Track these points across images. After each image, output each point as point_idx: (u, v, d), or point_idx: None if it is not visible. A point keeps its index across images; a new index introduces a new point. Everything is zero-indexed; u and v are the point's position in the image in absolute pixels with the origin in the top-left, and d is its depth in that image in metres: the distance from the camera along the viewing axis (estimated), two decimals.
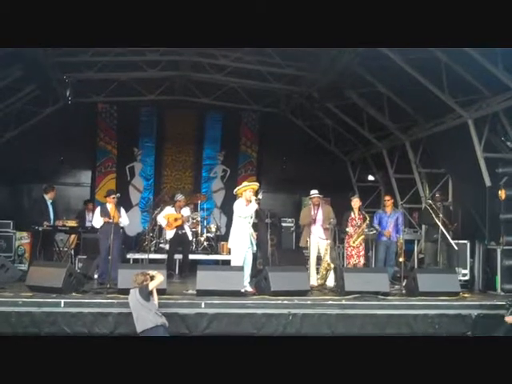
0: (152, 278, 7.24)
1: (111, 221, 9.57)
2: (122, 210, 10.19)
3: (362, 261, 10.72)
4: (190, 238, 12.16)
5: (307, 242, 10.72)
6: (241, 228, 9.29)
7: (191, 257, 12.95)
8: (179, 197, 12.09)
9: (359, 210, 10.87)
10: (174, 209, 11.78)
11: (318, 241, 10.71)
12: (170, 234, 11.74)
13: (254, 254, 11.18)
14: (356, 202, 10.85)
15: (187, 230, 11.87)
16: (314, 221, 10.76)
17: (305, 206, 15.40)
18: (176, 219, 11.59)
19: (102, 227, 9.89)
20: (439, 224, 10.23)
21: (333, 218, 10.67)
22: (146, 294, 7.04)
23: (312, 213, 10.86)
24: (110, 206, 9.94)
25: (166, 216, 11.70)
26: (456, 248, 10.25)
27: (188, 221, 11.82)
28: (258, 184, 10.02)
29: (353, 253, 10.61)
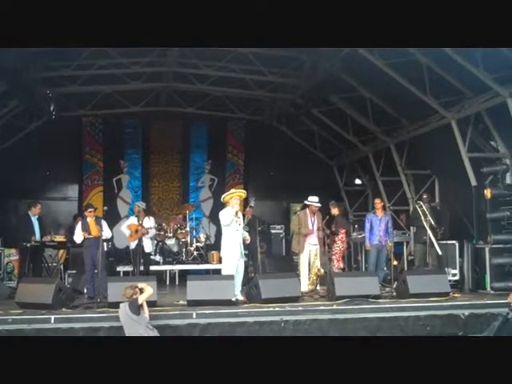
0: (141, 290, 7.19)
1: (90, 236, 9.58)
2: (104, 223, 10.01)
3: (342, 265, 11.01)
4: (148, 250, 11.41)
5: (302, 247, 10.67)
6: (231, 237, 9.28)
7: (182, 267, 12.98)
8: (137, 203, 11.93)
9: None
10: (137, 218, 11.25)
11: (310, 248, 10.69)
12: (133, 244, 11.21)
13: (245, 262, 11.20)
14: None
15: (146, 242, 11.22)
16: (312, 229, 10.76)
17: (295, 213, 15.47)
18: (137, 230, 11.11)
19: (84, 242, 9.82)
20: (426, 227, 10.31)
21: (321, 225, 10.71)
22: (136, 308, 6.95)
23: (309, 221, 10.72)
24: (89, 220, 9.88)
25: (128, 226, 11.33)
26: (440, 253, 10.35)
27: (147, 233, 11.20)
28: (244, 191, 10.01)
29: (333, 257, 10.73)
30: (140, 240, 11.09)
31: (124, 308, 7.03)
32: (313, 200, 10.75)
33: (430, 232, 10.32)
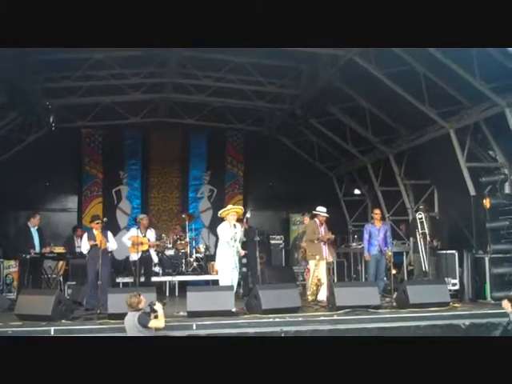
0: (155, 312, 7.00)
1: (97, 243, 9.54)
2: (110, 235, 10.08)
3: None
4: (156, 260, 12.02)
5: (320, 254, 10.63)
6: (226, 250, 9.38)
7: (181, 278, 12.93)
8: (141, 216, 11.92)
9: None
10: (139, 230, 11.09)
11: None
12: (134, 256, 11.08)
13: (244, 272, 11.20)
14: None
15: (152, 252, 11.48)
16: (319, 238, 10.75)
17: (294, 224, 15.48)
18: (142, 243, 11.07)
19: (89, 252, 9.81)
20: (423, 237, 10.41)
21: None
22: (145, 325, 6.84)
23: (319, 230, 10.77)
24: (96, 232, 9.89)
25: (131, 238, 11.22)
26: (426, 268, 10.44)
27: (153, 246, 11.46)
28: (241, 208, 10.16)
29: None
30: (147, 251, 11.19)
31: (133, 318, 6.88)
32: (321, 210, 10.85)
33: (422, 242, 10.40)
